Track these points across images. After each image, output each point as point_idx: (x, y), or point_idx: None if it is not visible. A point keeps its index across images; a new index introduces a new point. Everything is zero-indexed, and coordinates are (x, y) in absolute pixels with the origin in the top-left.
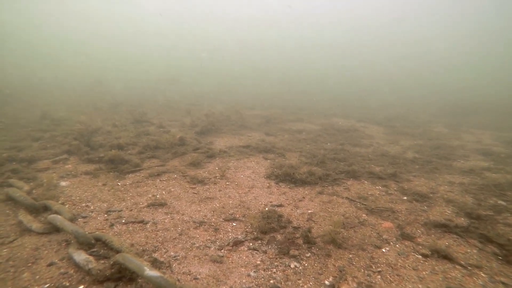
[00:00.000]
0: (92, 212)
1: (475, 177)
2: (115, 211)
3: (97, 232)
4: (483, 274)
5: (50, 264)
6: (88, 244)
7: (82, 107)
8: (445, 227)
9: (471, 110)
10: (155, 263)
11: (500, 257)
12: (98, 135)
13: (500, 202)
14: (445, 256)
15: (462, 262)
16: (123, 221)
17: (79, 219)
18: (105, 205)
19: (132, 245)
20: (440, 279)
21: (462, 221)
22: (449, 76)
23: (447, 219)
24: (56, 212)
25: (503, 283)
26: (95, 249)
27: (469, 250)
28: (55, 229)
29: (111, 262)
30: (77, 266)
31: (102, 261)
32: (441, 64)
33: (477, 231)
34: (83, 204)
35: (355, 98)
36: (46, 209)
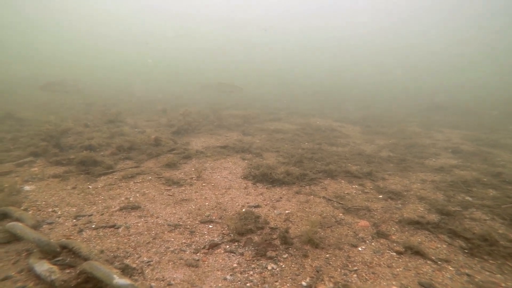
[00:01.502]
0: (59, 217)
1: (445, 175)
2: (84, 215)
3: (63, 239)
4: (450, 268)
5: (5, 278)
6: (53, 252)
7: (52, 107)
8: (418, 224)
9: (443, 110)
10: (126, 270)
11: (466, 250)
12: (69, 136)
13: (467, 198)
14: (418, 252)
15: (432, 257)
16: (93, 226)
17: (44, 226)
18: (74, 209)
19: (102, 251)
20: (413, 275)
21: (433, 217)
22: (427, 78)
23: (420, 216)
24: (17, 219)
25: (467, 274)
26: (60, 258)
27: (439, 245)
28: (14, 238)
29: (77, 271)
30: (38, 278)
31: (68, 271)
32: (419, 67)
33: (446, 227)
34: (50, 209)
35: (334, 99)
36: (6, 216)
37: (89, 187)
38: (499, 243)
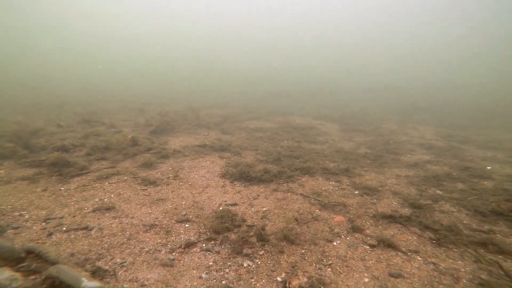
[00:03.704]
0: (26, 221)
1: (418, 170)
2: (55, 218)
3: (30, 244)
4: (419, 258)
5: None
6: (16, 258)
7: (23, 107)
8: (391, 218)
9: (416, 108)
10: (97, 273)
11: (434, 241)
12: (40, 137)
13: (437, 191)
14: (390, 245)
15: (403, 249)
16: (64, 228)
17: (8, 231)
18: (43, 212)
19: (72, 254)
20: (384, 266)
21: (406, 211)
22: (402, 77)
23: (393, 210)
24: None
25: (433, 263)
26: (24, 264)
27: (410, 238)
28: None
29: (43, 277)
30: None
31: (33, 277)
32: (395, 65)
33: (417, 220)
34: (16, 213)
35: (314, 98)
36: None
37: (61, 189)
38: (462, 233)
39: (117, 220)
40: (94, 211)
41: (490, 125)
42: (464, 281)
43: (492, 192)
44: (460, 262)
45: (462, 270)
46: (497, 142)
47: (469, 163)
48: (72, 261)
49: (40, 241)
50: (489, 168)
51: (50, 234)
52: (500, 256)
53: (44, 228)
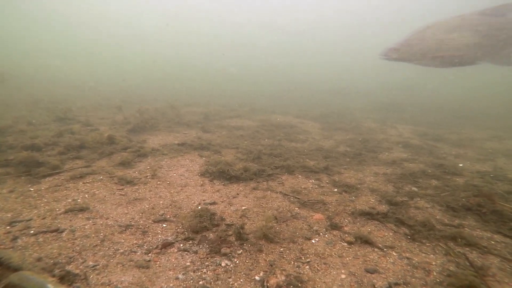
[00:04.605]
0: None
1: (396, 168)
2: (22, 221)
3: None
4: (394, 253)
5: None
6: None
7: None
8: (369, 215)
9: (396, 108)
10: (66, 277)
11: (409, 237)
12: (8, 135)
13: (413, 188)
14: (366, 241)
15: (379, 245)
16: (32, 232)
17: None
18: (9, 215)
19: (39, 259)
20: (360, 262)
21: (383, 208)
22: (382, 77)
23: (371, 207)
24: None
25: (407, 258)
26: None
27: (386, 234)
28: None
29: (2, 286)
30: None
31: None
32: (380, 67)
33: (394, 216)
34: None
35: (296, 96)
36: None
37: (30, 190)
38: (435, 227)
39: (90, 221)
40: (66, 212)
41: (462, 124)
42: (435, 273)
43: (463, 188)
44: (432, 255)
45: (433, 263)
46: (468, 140)
47: (443, 160)
48: (38, 266)
49: (2, 246)
50: (461, 165)
51: (15, 238)
52: (467, 249)
53: (9, 232)
